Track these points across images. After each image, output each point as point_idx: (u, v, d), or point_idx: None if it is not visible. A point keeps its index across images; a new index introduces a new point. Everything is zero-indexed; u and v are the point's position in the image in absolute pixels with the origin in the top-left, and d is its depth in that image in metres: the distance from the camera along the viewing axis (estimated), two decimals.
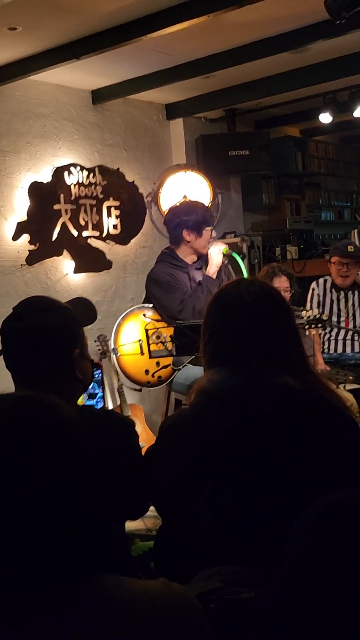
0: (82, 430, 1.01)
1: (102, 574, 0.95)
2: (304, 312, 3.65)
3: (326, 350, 4.68)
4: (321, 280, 4.80)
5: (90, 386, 2.21)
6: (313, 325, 3.57)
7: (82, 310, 1.85)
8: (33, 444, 0.94)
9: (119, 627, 0.90)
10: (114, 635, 0.90)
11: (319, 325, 3.58)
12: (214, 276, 3.61)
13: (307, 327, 3.58)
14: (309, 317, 3.59)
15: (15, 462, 0.92)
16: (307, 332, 3.80)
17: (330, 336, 4.69)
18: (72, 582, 0.93)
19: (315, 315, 3.59)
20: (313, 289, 4.80)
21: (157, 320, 3.55)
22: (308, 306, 4.60)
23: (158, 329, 3.37)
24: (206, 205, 3.79)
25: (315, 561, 0.95)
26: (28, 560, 0.91)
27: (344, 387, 3.74)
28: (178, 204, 3.96)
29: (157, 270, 3.69)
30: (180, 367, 3.52)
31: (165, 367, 3.55)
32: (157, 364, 3.54)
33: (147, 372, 3.60)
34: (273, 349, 1.62)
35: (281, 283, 4.23)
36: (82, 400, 2.12)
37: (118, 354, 3.67)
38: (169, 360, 3.49)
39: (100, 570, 0.96)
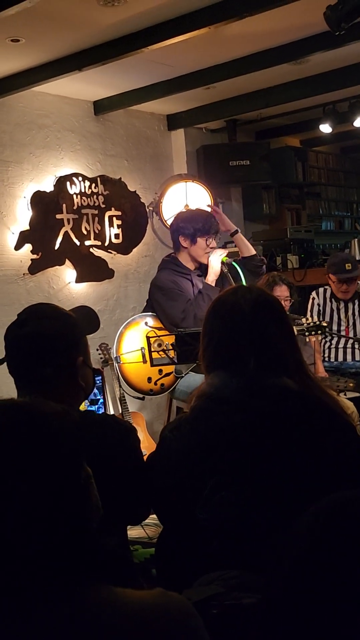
0: (82, 436, 1.01)
1: (98, 585, 0.95)
2: (303, 319, 3.67)
3: (327, 359, 4.69)
4: (321, 290, 4.82)
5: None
6: (313, 332, 3.59)
7: (86, 319, 1.87)
8: (27, 451, 0.94)
9: (112, 638, 0.90)
10: None
11: (319, 332, 3.60)
12: (213, 283, 3.63)
13: (307, 333, 3.60)
14: (309, 323, 3.61)
15: (11, 470, 0.93)
16: (307, 340, 3.81)
17: (331, 345, 4.70)
18: (67, 594, 0.92)
19: (315, 322, 3.60)
20: (313, 298, 4.81)
21: (159, 329, 3.56)
22: (308, 315, 4.61)
23: (159, 336, 3.39)
24: (209, 214, 3.79)
25: (316, 564, 0.96)
26: (26, 570, 0.91)
27: (345, 394, 3.75)
28: (183, 211, 3.99)
29: (162, 277, 3.71)
30: (183, 375, 3.53)
31: (167, 374, 3.56)
32: (160, 371, 3.55)
33: (149, 380, 3.61)
34: (271, 354, 1.64)
35: (281, 292, 4.25)
36: (84, 406, 2.14)
37: (120, 363, 3.69)
38: (171, 368, 3.50)
39: (99, 578, 0.96)
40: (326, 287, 4.78)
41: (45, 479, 0.94)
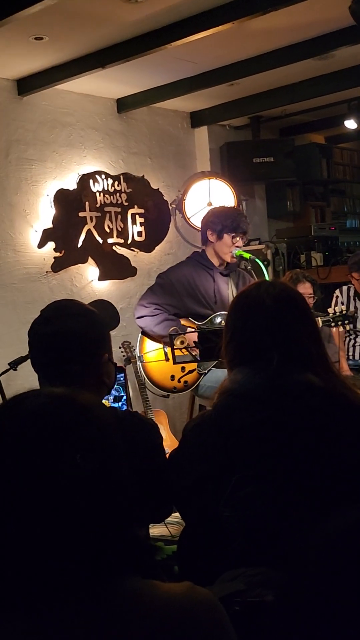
0: (117, 430, 1.01)
1: (127, 578, 0.95)
2: (329, 309, 3.64)
3: (351, 357, 4.65)
4: (345, 288, 4.77)
5: (115, 389, 2.22)
6: (339, 322, 3.55)
7: (106, 313, 1.86)
8: (67, 442, 0.94)
9: (141, 630, 0.90)
10: (136, 639, 0.89)
11: (346, 321, 3.57)
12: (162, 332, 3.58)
13: (333, 324, 3.57)
14: (334, 313, 3.58)
15: (49, 461, 0.92)
16: (331, 336, 3.78)
17: (355, 342, 4.66)
18: (96, 586, 0.92)
19: (341, 312, 3.57)
20: (337, 297, 4.78)
21: (181, 327, 3.56)
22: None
23: (182, 334, 3.38)
24: (240, 213, 3.78)
25: (343, 569, 0.94)
26: (56, 562, 0.91)
27: None
28: (217, 207, 4.00)
29: (177, 269, 3.74)
30: (206, 371, 3.52)
31: (190, 372, 3.56)
32: (183, 369, 3.54)
33: (172, 377, 3.60)
34: (294, 349, 1.62)
35: (305, 289, 4.22)
36: (107, 402, 2.13)
37: (144, 362, 3.69)
38: (194, 365, 3.49)
39: (130, 570, 0.96)
40: (350, 285, 4.74)
41: (92, 469, 0.93)
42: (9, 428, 0.95)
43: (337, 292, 4.79)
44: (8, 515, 0.91)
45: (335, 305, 4.73)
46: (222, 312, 3.61)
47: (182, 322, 3.64)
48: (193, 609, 0.94)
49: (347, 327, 4.01)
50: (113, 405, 2.21)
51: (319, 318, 3.53)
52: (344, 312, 3.62)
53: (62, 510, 0.91)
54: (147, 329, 3.65)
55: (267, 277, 3.67)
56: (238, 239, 3.63)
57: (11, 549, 0.91)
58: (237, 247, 3.65)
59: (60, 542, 0.91)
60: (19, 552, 0.91)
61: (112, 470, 0.97)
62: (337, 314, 3.62)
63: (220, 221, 3.61)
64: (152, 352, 3.68)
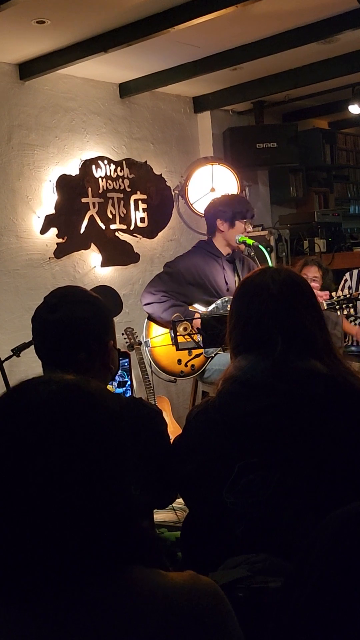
0: (124, 419, 1.01)
1: (130, 567, 0.95)
2: (333, 293, 3.63)
3: (355, 343, 4.64)
4: (355, 272, 4.74)
5: (120, 375, 2.22)
6: (344, 305, 3.55)
7: (110, 300, 1.86)
8: (76, 433, 0.94)
9: (144, 620, 0.91)
10: (139, 628, 0.90)
11: (350, 304, 3.56)
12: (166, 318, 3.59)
13: (337, 307, 3.57)
14: (339, 297, 3.58)
15: (58, 450, 0.92)
16: (339, 322, 3.77)
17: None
18: (99, 575, 0.93)
19: (345, 295, 3.57)
20: (346, 280, 4.75)
21: (189, 312, 3.57)
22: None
23: (184, 320, 3.38)
24: (246, 199, 3.79)
25: (348, 558, 0.94)
26: (62, 549, 0.91)
27: None
28: (221, 196, 3.99)
29: (185, 258, 3.73)
30: (213, 355, 3.53)
31: (197, 356, 3.57)
32: (189, 353, 3.55)
33: (179, 361, 3.62)
34: (298, 335, 1.62)
35: (310, 272, 4.23)
36: (111, 388, 2.14)
37: (150, 347, 3.69)
38: (201, 350, 3.51)
39: (134, 560, 0.96)
40: None
41: (100, 457, 0.94)
42: (19, 415, 0.95)
43: (347, 275, 4.76)
44: (15, 500, 0.91)
45: (343, 289, 4.72)
46: (229, 297, 3.61)
47: (190, 308, 3.64)
48: (196, 599, 0.94)
49: (351, 311, 3.99)
50: (117, 390, 2.22)
51: (323, 301, 3.53)
52: (349, 295, 3.62)
53: (68, 498, 0.91)
54: (154, 316, 3.65)
55: (270, 263, 3.66)
56: (248, 224, 3.65)
57: (15, 536, 0.91)
58: (248, 232, 3.66)
59: (65, 529, 0.91)
60: (23, 539, 0.91)
61: (119, 458, 0.97)
62: (342, 297, 3.61)
63: (232, 209, 3.62)
64: (159, 337, 3.68)
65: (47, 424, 0.93)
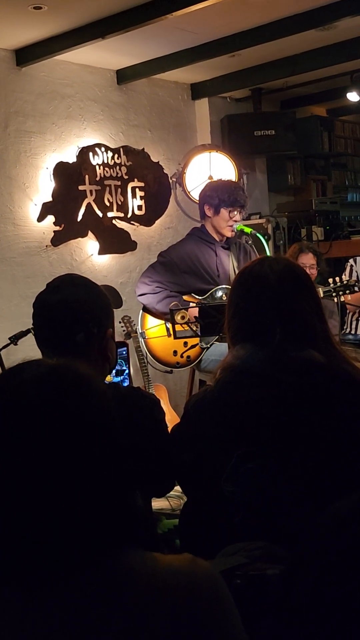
0: (114, 403, 1.01)
1: (127, 551, 0.96)
2: (330, 279, 3.63)
3: (352, 331, 4.64)
4: (358, 259, 4.74)
5: (118, 363, 2.22)
6: (341, 292, 3.55)
7: (111, 295, 1.86)
8: (66, 413, 0.94)
9: (142, 604, 0.91)
10: (135, 612, 0.90)
11: (347, 291, 3.56)
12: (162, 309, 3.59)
13: (334, 294, 3.57)
14: (335, 283, 3.58)
15: (48, 431, 0.92)
16: (335, 310, 3.77)
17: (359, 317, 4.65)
18: (95, 558, 0.93)
19: (342, 282, 3.57)
20: (351, 266, 4.73)
21: (183, 302, 3.56)
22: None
23: (182, 309, 3.37)
24: (238, 187, 3.73)
25: (350, 551, 0.94)
26: (55, 532, 0.91)
27: None
28: (214, 180, 3.96)
29: (178, 247, 3.72)
30: (208, 346, 3.52)
31: (193, 346, 3.56)
32: (185, 344, 3.55)
33: (175, 353, 3.61)
34: (297, 325, 1.62)
35: (307, 260, 4.22)
36: (109, 377, 2.14)
37: (146, 338, 3.69)
38: (196, 340, 3.50)
39: (127, 546, 0.96)
40: None
41: (80, 444, 0.94)
42: (9, 396, 0.96)
43: (352, 261, 4.74)
44: (4, 481, 0.92)
45: (350, 274, 4.71)
46: (223, 286, 3.60)
47: (185, 298, 3.63)
48: (194, 583, 0.94)
49: (347, 298, 4.00)
50: (115, 379, 2.22)
51: (319, 289, 3.53)
52: (346, 282, 3.62)
53: (57, 476, 0.91)
54: (149, 307, 3.64)
55: (267, 252, 3.65)
56: (236, 213, 3.59)
57: (8, 518, 0.92)
58: (235, 221, 3.61)
59: (56, 511, 0.91)
60: (15, 521, 0.92)
61: (108, 436, 0.98)
62: (339, 284, 3.61)
63: (217, 195, 3.57)
64: (154, 328, 3.68)
65: (35, 405, 0.94)
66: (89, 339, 1.65)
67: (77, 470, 0.93)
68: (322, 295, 3.50)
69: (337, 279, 3.65)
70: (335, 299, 3.68)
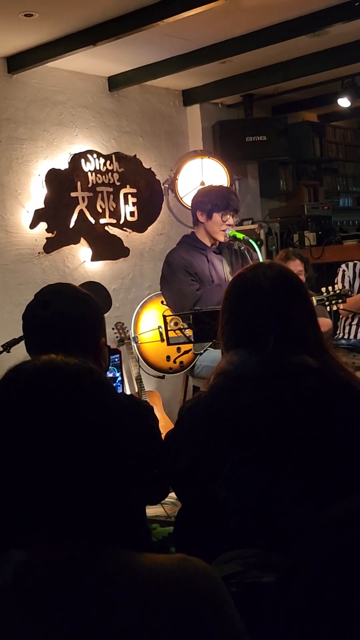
0: (119, 400, 1.02)
1: (119, 549, 0.95)
2: (323, 289, 3.64)
3: (345, 336, 4.65)
4: (351, 264, 4.74)
5: (110, 371, 2.22)
6: (333, 301, 3.56)
7: (99, 296, 1.86)
8: (68, 410, 0.95)
9: (140, 601, 0.90)
10: (135, 610, 0.89)
11: (340, 300, 3.57)
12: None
13: (327, 303, 3.57)
14: (329, 292, 3.58)
15: (49, 428, 0.92)
16: (325, 310, 3.78)
17: (352, 321, 4.66)
18: (95, 556, 0.93)
19: (335, 291, 3.58)
20: (344, 271, 4.73)
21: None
22: (339, 286, 4.55)
23: (176, 315, 3.37)
24: (230, 191, 3.73)
25: (344, 556, 0.94)
26: (49, 528, 0.92)
27: None
28: (206, 186, 3.96)
29: (174, 253, 3.70)
30: (202, 352, 3.52)
31: (186, 352, 3.56)
32: (178, 349, 3.54)
33: (168, 358, 3.61)
34: (290, 331, 1.62)
35: (294, 267, 4.22)
36: None
37: (139, 342, 3.68)
38: (189, 346, 3.49)
39: (124, 545, 0.96)
40: (356, 261, 4.72)
41: (93, 438, 0.95)
42: (10, 394, 0.97)
43: (344, 266, 4.74)
44: (4, 480, 0.92)
45: (343, 278, 4.71)
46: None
47: None
48: (186, 579, 0.93)
49: (340, 307, 4.01)
50: None
51: (313, 297, 3.53)
52: (339, 291, 3.62)
53: (58, 476, 0.91)
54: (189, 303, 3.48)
55: (260, 257, 3.66)
56: (228, 217, 3.59)
57: (6, 514, 0.92)
58: (228, 225, 3.61)
59: (55, 508, 0.91)
60: (14, 518, 0.92)
61: (111, 437, 0.98)
62: (332, 293, 3.62)
63: (210, 200, 3.57)
64: (147, 333, 3.68)
65: (37, 399, 0.95)
66: (83, 353, 1.64)
67: (76, 469, 0.92)
68: (315, 303, 3.51)
69: (330, 288, 3.66)
70: (329, 308, 3.69)
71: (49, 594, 0.90)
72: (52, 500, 0.92)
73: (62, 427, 0.93)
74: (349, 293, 3.73)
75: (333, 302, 3.61)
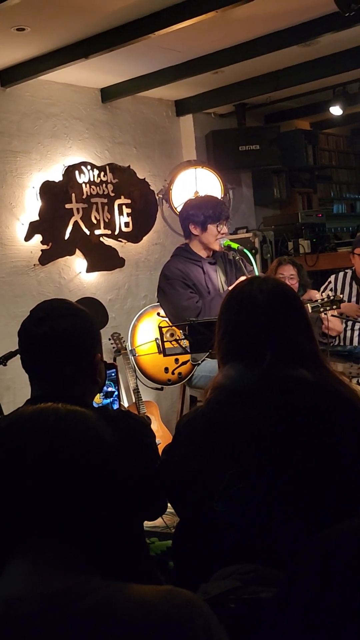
0: (110, 437, 1.04)
1: (105, 580, 0.95)
2: (317, 295, 3.65)
3: (341, 342, 4.65)
4: (341, 274, 4.73)
5: (107, 385, 2.22)
6: (328, 308, 3.57)
7: (95, 312, 1.86)
8: (61, 450, 0.98)
9: (123, 635, 0.89)
10: None
11: (334, 306, 3.58)
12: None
13: (322, 309, 3.58)
14: (322, 299, 3.60)
15: (42, 467, 0.96)
16: (319, 317, 3.79)
17: (347, 327, 4.66)
18: (77, 587, 0.93)
19: (329, 297, 3.59)
20: (329, 282, 4.74)
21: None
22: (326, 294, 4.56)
23: (172, 326, 3.37)
24: (219, 200, 3.75)
25: (345, 570, 0.94)
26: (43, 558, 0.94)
27: (357, 381, 3.73)
28: (192, 198, 3.96)
29: (170, 265, 3.70)
30: (200, 362, 3.52)
31: (184, 363, 3.56)
32: (176, 360, 3.54)
33: (166, 370, 3.61)
34: (287, 344, 1.63)
35: (286, 271, 4.24)
36: (99, 398, 2.13)
37: (136, 355, 3.68)
38: (187, 357, 3.50)
39: (112, 572, 0.97)
40: (347, 270, 4.71)
41: (92, 474, 0.98)
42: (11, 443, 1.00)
43: (332, 277, 4.74)
44: (14, 509, 0.95)
45: (324, 290, 4.72)
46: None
47: None
48: (168, 616, 0.91)
49: (335, 313, 4.01)
50: (104, 401, 2.21)
51: (307, 305, 3.55)
52: (332, 297, 3.63)
53: (61, 511, 0.95)
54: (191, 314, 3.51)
55: (255, 267, 3.67)
56: (222, 225, 3.60)
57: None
58: (222, 234, 3.62)
59: (42, 534, 0.95)
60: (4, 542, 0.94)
61: (109, 475, 1.01)
62: (325, 299, 3.63)
63: (202, 212, 3.58)
64: (145, 345, 3.68)
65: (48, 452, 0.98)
66: (77, 370, 1.64)
67: (70, 504, 0.96)
68: (310, 311, 3.52)
69: (324, 294, 3.67)
70: (323, 315, 3.70)
71: (37, 627, 0.90)
72: (47, 532, 0.94)
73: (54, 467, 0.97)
74: (343, 299, 3.74)
75: (327, 308, 3.62)
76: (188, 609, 0.93)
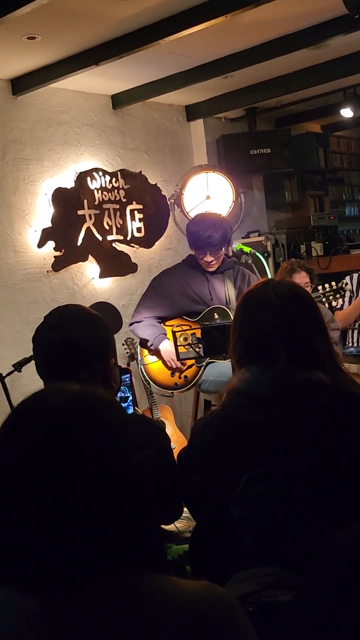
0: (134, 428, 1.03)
1: (146, 573, 0.96)
2: (319, 287, 3.65)
3: (354, 344, 4.64)
4: (355, 275, 4.73)
5: (121, 390, 2.23)
6: (331, 297, 3.57)
7: (109, 317, 1.87)
8: (91, 438, 0.97)
9: (156, 628, 0.91)
10: (149, 634, 0.90)
11: (337, 295, 3.58)
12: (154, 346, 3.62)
13: (324, 299, 3.58)
14: (325, 289, 3.60)
15: (72, 455, 0.95)
16: (333, 318, 3.79)
17: (354, 326, 4.65)
18: (118, 581, 0.93)
19: (332, 287, 3.59)
20: (345, 284, 4.74)
21: (183, 324, 3.57)
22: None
23: (185, 331, 3.38)
24: (209, 231, 3.52)
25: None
26: (68, 546, 0.93)
27: None
28: (197, 215, 3.97)
29: (168, 271, 3.79)
30: (204, 363, 3.52)
31: (190, 367, 3.58)
32: (182, 364, 3.57)
33: (172, 374, 3.62)
34: (302, 347, 1.63)
35: (301, 279, 4.23)
36: None
37: (145, 364, 3.71)
38: (192, 360, 3.52)
39: (142, 569, 0.97)
40: None
41: (103, 469, 0.96)
42: (28, 427, 0.98)
43: (347, 279, 4.72)
44: (29, 499, 0.94)
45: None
46: (217, 306, 3.60)
47: (176, 321, 3.64)
48: (209, 608, 0.94)
49: (339, 301, 4.02)
50: None
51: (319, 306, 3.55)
52: (335, 286, 3.63)
53: (80, 496, 0.93)
54: (137, 336, 3.72)
55: (267, 270, 3.67)
56: (204, 255, 3.57)
57: (16, 534, 0.93)
58: (206, 261, 3.59)
59: (74, 527, 0.93)
60: (24, 537, 0.93)
61: (129, 459, 1.00)
62: (328, 289, 3.63)
63: (191, 236, 3.63)
64: (152, 356, 3.73)
65: (63, 428, 0.97)
66: (92, 375, 1.65)
67: (96, 488, 0.94)
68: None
69: (327, 285, 3.67)
70: (327, 304, 3.71)
71: (64, 611, 0.91)
72: (63, 527, 0.93)
73: (74, 455, 0.95)
74: (344, 286, 3.74)
75: (331, 297, 3.62)
76: (226, 602, 0.97)
